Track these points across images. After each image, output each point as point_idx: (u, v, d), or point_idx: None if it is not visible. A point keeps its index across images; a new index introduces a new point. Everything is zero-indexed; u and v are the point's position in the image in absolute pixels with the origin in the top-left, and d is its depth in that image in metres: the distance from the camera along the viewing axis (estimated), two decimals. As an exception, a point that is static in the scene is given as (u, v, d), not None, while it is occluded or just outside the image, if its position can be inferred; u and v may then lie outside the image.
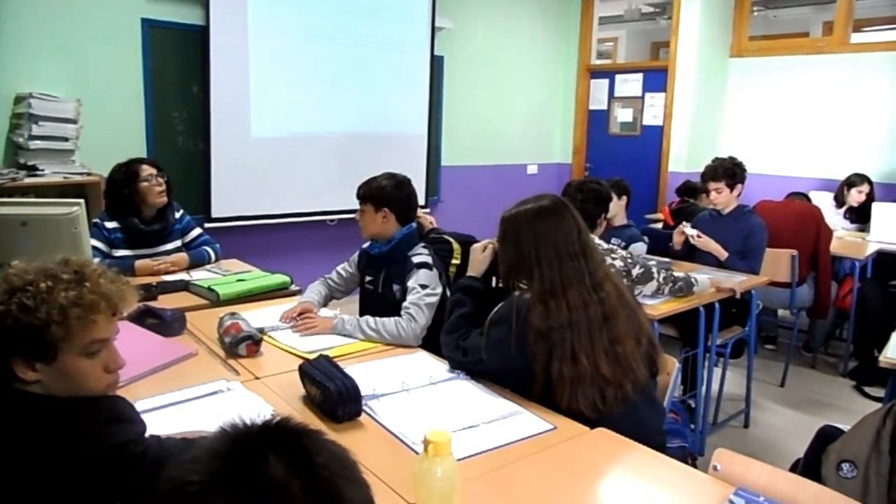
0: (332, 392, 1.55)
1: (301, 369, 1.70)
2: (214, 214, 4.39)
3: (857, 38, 5.88)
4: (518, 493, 1.31)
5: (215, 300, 2.53)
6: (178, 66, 4.25)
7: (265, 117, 4.55)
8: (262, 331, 2.13)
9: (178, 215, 3.11)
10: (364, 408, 1.61)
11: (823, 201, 5.00)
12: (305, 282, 2.69)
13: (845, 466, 1.75)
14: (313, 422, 1.58)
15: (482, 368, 1.81)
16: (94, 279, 1.14)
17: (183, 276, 2.85)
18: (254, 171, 4.54)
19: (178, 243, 3.09)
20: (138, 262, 2.86)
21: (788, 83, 5.81)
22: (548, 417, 1.61)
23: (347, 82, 4.89)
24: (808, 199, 4.60)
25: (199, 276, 2.85)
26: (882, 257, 4.37)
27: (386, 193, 2.44)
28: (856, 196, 4.93)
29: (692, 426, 3.11)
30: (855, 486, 1.71)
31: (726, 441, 3.32)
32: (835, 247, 4.19)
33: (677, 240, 3.65)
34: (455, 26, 5.55)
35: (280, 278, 2.77)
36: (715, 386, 3.46)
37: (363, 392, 1.62)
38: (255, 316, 2.26)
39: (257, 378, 1.85)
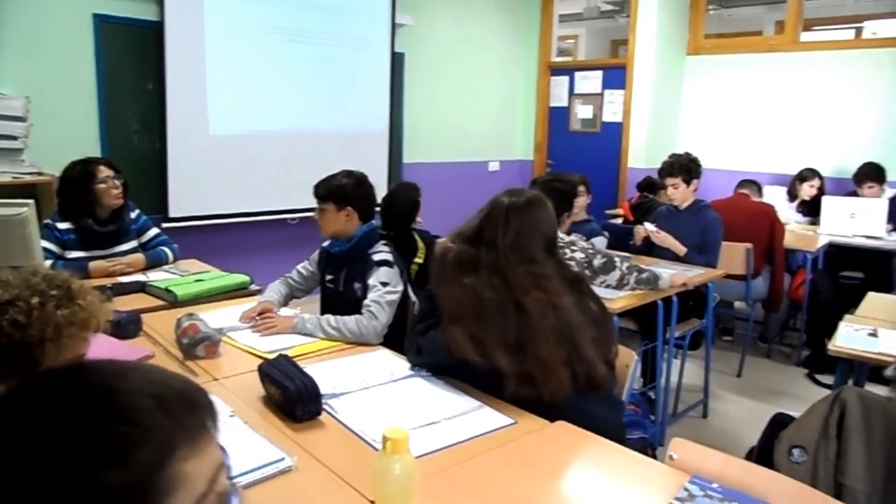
0: (292, 391, 1.54)
1: (260, 369, 1.69)
2: (172, 214, 4.32)
3: (807, 36, 6.05)
4: (479, 488, 1.32)
5: (173, 301, 2.48)
6: (132, 63, 4.17)
7: (223, 115, 4.49)
8: (220, 331, 2.10)
9: (133, 215, 3.05)
10: (324, 406, 1.60)
11: (777, 195, 5.15)
12: (266, 281, 2.66)
13: (796, 452, 1.80)
14: (273, 422, 1.57)
15: (441, 366, 1.82)
16: (83, 296, 1.12)
17: (139, 277, 2.80)
18: (212, 169, 4.48)
19: (134, 244, 3.03)
20: (92, 264, 2.80)
21: (743, 80, 5.95)
22: (508, 412, 1.63)
23: (307, 79, 4.85)
24: (759, 188, 4.67)
25: (156, 276, 2.80)
26: (832, 249, 4.50)
27: (348, 192, 2.43)
28: (807, 190, 5.08)
29: (652, 417, 3.17)
30: (805, 470, 1.77)
31: (685, 431, 3.39)
32: (788, 240, 4.31)
33: (639, 237, 3.71)
34: (415, 23, 5.54)
35: (239, 278, 2.74)
36: (674, 377, 3.52)
37: (323, 391, 1.62)
38: (214, 316, 2.23)
39: (216, 379, 1.83)
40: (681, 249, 3.56)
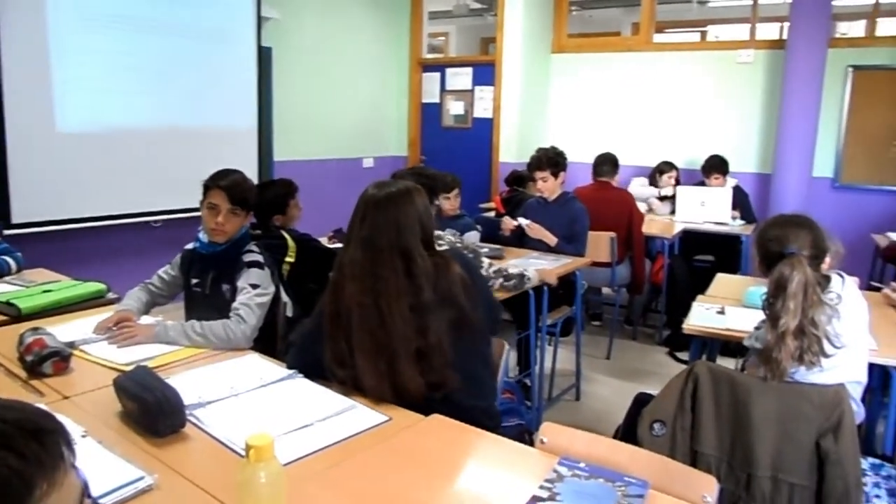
0: (151, 404, 1.45)
1: (116, 383, 1.57)
2: (15, 220, 3.93)
3: (659, 38, 6.48)
4: (354, 489, 1.30)
5: (16, 315, 2.26)
6: (-40, 53, 3.75)
7: (72, 110, 4.14)
8: (72, 345, 1.94)
9: (-34, 222, 2.76)
10: (189, 417, 1.51)
11: (646, 186, 5.49)
12: (126, 290, 2.47)
13: (656, 426, 1.92)
14: (132, 439, 1.47)
15: (310, 360, 1.79)
16: None
17: (-24, 290, 2.53)
18: (62, 169, 4.12)
19: (-33, 254, 2.74)
20: (-84, 279, 2.50)
21: (604, 78, 6.29)
22: (382, 409, 1.61)
23: (167, 73, 4.58)
24: (615, 163, 4.60)
25: (-5, 289, 2.54)
26: (686, 235, 4.85)
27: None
28: (666, 181, 5.44)
29: (528, 403, 3.27)
30: (665, 442, 1.89)
31: (560, 414, 3.53)
32: (648, 228, 4.60)
33: (505, 228, 3.82)
34: (282, 17, 5.39)
35: (94, 286, 2.54)
36: (548, 364, 3.66)
37: (188, 401, 1.53)
38: (65, 329, 2.06)
39: (66, 398, 1.68)
40: (552, 240, 3.70)
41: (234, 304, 2.16)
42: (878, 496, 1.81)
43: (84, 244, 4.30)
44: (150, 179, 4.49)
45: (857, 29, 6.08)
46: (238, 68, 5.00)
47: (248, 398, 1.67)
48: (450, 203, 3.77)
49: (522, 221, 3.75)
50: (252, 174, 4.93)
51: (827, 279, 1.87)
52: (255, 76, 5.10)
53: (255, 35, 5.07)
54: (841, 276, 1.91)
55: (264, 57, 5.22)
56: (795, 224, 1.87)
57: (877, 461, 1.88)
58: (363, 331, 1.66)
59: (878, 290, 3.02)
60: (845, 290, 1.86)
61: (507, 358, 2.09)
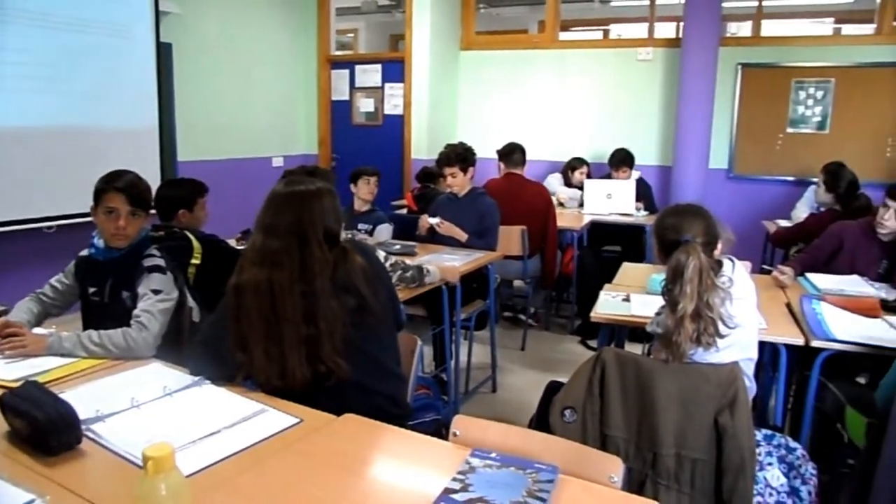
0: (41, 422, 1.36)
1: (1, 401, 1.47)
2: None
3: (565, 36, 6.66)
4: (263, 494, 1.27)
5: None
6: None
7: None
8: (-49, 363, 1.80)
9: None
10: (85, 433, 1.43)
11: (561, 185, 5.62)
12: (14, 301, 2.31)
13: (567, 413, 1.97)
14: (20, 460, 1.38)
15: (213, 352, 1.76)
16: None
17: None
18: (-62, 175, 3.82)
19: None
20: None
21: (511, 74, 6.41)
22: (293, 411, 1.58)
23: (58, 70, 4.30)
24: (523, 152, 4.58)
25: None
26: (594, 227, 5.01)
27: None
28: (578, 177, 5.59)
29: (445, 398, 3.29)
30: (576, 428, 1.94)
31: (478, 407, 3.57)
32: (558, 220, 4.70)
33: (422, 225, 3.83)
34: (183, 11, 5.19)
35: (-23, 299, 2.36)
36: (464, 357, 3.69)
37: (84, 415, 1.46)
38: (-56, 347, 1.91)
39: (-56, 422, 1.56)
40: (462, 236, 3.73)
41: (135, 311, 2.06)
42: (770, 463, 1.93)
43: (-33, 254, 4.00)
44: (42, 183, 4.22)
45: (744, 29, 6.45)
46: (136, 65, 4.77)
47: (151, 409, 1.60)
48: (368, 187, 3.87)
49: (433, 220, 3.76)
50: (154, 175, 4.76)
51: (719, 264, 1.97)
52: (154, 73, 4.88)
53: (154, 30, 4.85)
54: (731, 261, 2.02)
55: (164, 53, 5.00)
56: (690, 213, 1.96)
57: (769, 432, 2.00)
58: (257, 314, 1.69)
59: (768, 272, 3.23)
60: (735, 274, 1.97)
61: (421, 353, 2.09)
